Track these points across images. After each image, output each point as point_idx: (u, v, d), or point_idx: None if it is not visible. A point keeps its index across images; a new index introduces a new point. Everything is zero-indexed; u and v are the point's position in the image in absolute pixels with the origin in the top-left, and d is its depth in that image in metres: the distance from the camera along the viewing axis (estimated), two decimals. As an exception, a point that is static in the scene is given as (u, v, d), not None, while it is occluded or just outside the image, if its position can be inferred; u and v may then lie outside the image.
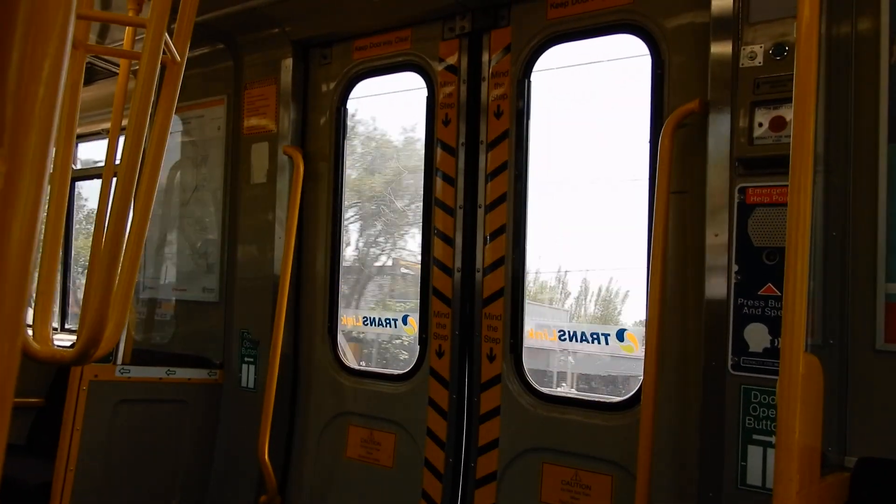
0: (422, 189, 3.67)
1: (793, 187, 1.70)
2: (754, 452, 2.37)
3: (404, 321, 4.00)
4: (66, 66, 0.81)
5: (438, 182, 3.57)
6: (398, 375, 3.71)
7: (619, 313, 7.02)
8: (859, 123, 2.38)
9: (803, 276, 1.66)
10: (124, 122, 2.15)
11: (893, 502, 2.14)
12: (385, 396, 3.69)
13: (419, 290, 3.65)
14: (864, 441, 2.30)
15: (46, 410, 4.44)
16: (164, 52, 2.03)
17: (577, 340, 3.33)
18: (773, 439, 2.31)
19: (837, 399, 2.32)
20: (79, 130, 2.63)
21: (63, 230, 2.38)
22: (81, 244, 6.58)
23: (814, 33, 1.75)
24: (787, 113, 2.37)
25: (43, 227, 2.18)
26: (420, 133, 3.70)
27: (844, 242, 2.37)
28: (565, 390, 5.59)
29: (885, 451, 2.23)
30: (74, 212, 5.94)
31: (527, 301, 3.31)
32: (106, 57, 4.48)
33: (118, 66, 3.77)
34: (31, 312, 2.21)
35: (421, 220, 3.67)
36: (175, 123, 4.37)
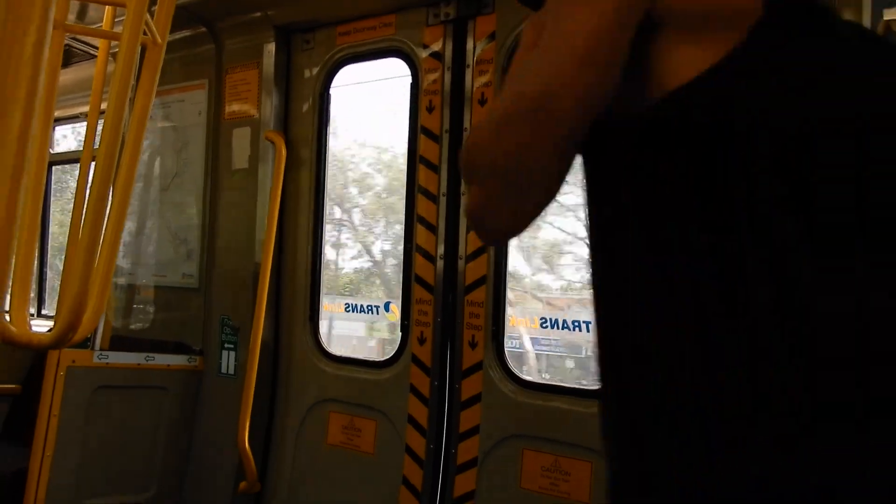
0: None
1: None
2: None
3: (386, 308, 4.00)
4: (47, 46, 0.80)
5: (422, 169, 3.56)
6: (380, 362, 3.71)
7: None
8: None
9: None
10: (104, 106, 2.12)
11: None
12: (366, 383, 3.69)
13: (401, 277, 3.65)
14: None
15: (23, 397, 4.38)
16: (144, 34, 2.00)
17: (558, 328, 3.36)
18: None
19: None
20: (56, 114, 2.59)
21: (41, 214, 2.34)
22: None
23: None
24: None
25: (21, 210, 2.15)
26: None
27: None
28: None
29: None
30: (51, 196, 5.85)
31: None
32: (84, 38, 4.40)
33: (97, 48, 3.70)
34: (7, 297, 2.18)
35: (404, 208, 3.66)
36: (155, 108, 4.32)
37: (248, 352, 3.70)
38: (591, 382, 3.30)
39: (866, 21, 2.38)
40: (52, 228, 5.96)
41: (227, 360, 3.97)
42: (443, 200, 3.48)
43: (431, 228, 3.51)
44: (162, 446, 3.90)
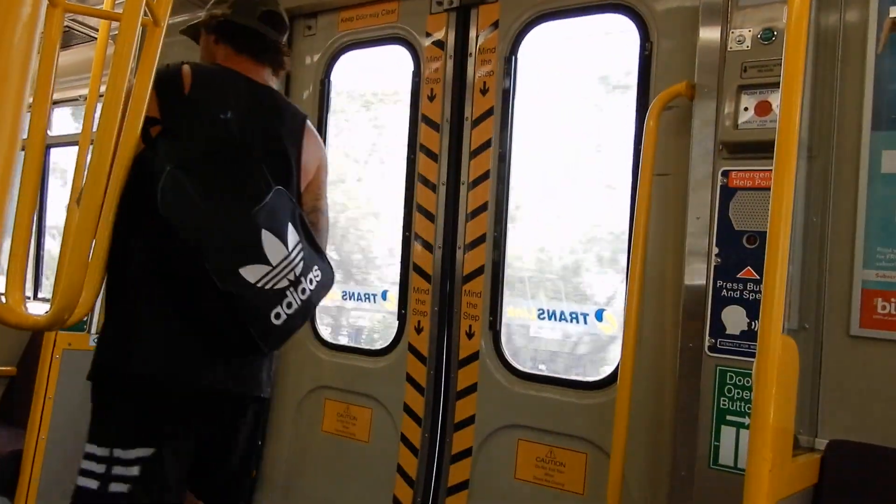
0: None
1: (777, 172, 1.70)
2: (727, 433, 2.40)
3: (383, 296, 3.99)
4: (41, 23, 0.78)
5: (422, 158, 3.54)
6: (376, 351, 3.71)
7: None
8: (843, 111, 2.39)
9: (783, 260, 1.67)
10: (103, 89, 2.10)
11: (861, 482, 2.19)
12: (362, 371, 3.69)
13: (399, 265, 3.64)
14: (835, 424, 2.34)
15: (19, 380, 4.38)
16: (144, 15, 1.98)
17: (556, 319, 3.35)
18: (746, 420, 2.34)
19: (811, 383, 2.35)
20: (56, 96, 2.57)
21: (37, 196, 2.33)
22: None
23: (803, 20, 1.74)
24: (773, 98, 2.38)
25: (17, 191, 2.13)
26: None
27: (824, 228, 2.39)
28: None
29: (855, 435, 2.27)
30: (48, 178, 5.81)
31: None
32: (85, 21, 4.37)
33: (97, 30, 3.67)
34: (2, 279, 2.17)
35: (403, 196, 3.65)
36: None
37: (245, 338, 3.68)
38: (587, 374, 3.30)
39: (872, 20, 2.36)
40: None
41: (224, 346, 3.95)
42: (442, 189, 3.47)
43: (430, 217, 3.50)
44: (157, 430, 3.89)
